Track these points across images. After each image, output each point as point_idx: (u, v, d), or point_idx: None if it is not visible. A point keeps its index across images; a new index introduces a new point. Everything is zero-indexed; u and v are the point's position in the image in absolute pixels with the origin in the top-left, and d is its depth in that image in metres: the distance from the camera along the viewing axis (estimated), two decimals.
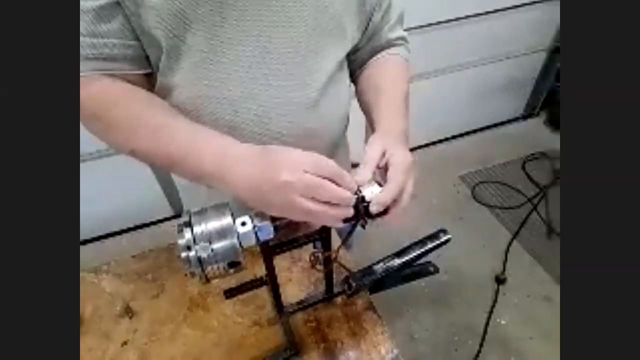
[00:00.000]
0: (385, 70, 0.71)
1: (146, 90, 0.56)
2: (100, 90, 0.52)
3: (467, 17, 1.83)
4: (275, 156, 0.45)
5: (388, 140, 0.55)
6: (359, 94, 0.73)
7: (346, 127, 0.77)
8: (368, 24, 0.67)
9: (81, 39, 0.49)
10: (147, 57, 0.56)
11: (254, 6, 0.52)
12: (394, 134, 0.59)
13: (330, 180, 0.45)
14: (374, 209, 0.48)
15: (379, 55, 0.73)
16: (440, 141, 2.36)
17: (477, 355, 1.44)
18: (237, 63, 0.55)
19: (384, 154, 0.52)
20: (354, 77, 0.75)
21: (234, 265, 0.45)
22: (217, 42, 0.53)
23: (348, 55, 0.69)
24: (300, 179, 0.43)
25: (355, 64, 0.74)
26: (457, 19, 1.82)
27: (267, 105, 0.58)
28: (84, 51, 0.50)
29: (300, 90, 0.59)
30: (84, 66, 0.51)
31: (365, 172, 0.50)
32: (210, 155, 0.48)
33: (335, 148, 0.75)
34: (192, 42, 0.52)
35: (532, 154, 2.20)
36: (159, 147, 0.50)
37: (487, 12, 1.86)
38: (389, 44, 0.73)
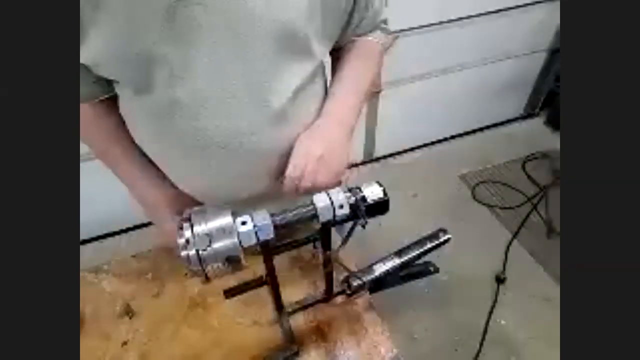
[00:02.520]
0: (350, 60, 0.70)
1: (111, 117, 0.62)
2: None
3: (467, 17, 1.83)
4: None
5: (305, 143, 0.62)
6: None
7: None
8: (348, 23, 0.65)
9: None
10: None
11: (210, 40, 0.51)
12: (322, 130, 0.64)
13: None
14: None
15: (353, 39, 0.71)
16: (440, 141, 2.36)
17: (477, 355, 1.44)
18: (199, 94, 0.54)
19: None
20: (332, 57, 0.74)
21: (234, 264, 0.45)
22: (178, 73, 0.52)
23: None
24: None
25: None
26: (458, 19, 1.82)
27: (231, 132, 0.58)
28: None
29: (263, 109, 0.58)
30: None
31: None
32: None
33: None
34: (154, 76, 0.52)
35: (532, 154, 2.20)
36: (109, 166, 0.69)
37: (488, 12, 1.86)
38: (366, 31, 0.71)
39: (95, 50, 0.49)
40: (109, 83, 0.58)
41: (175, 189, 0.69)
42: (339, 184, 0.61)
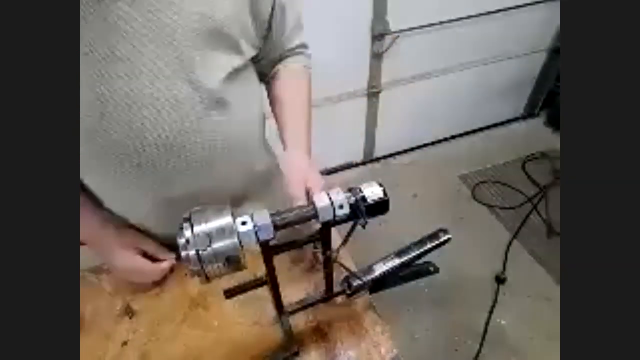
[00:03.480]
0: (285, 84, 0.74)
1: None
2: None
3: (468, 17, 1.83)
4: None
5: (306, 165, 0.63)
6: (270, 102, 0.77)
7: (261, 138, 0.77)
8: (268, 33, 0.67)
9: None
10: None
11: (137, 31, 0.50)
12: (301, 155, 0.66)
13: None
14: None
15: (279, 66, 0.75)
16: (440, 141, 2.37)
17: (477, 355, 1.44)
18: (128, 88, 0.52)
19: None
20: (265, 83, 0.78)
21: (234, 264, 0.45)
22: (104, 68, 0.51)
23: (255, 62, 0.70)
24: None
25: (262, 71, 0.75)
26: (458, 19, 1.82)
27: (170, 126, 0.56)
28: None
29: (198, 95, 0.57)
30: None
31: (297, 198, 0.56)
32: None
33: (254, 154, 0.74)
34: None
35: (532, 154, 2.20)
36: None
37: (488, 12, 1.86)
38: (287, 54, 0.75)
39: None
40: None
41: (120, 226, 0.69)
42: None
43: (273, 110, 0.75)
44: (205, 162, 0.62)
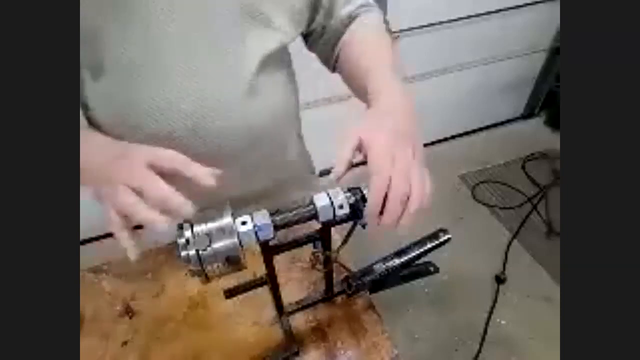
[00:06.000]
0: (361, 44, 0.62)
1: None
2: None
3: (467, 17, 1.83)
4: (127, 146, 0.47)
5: (369, 122, 0.47)
6: (346, 81, 0.66)
7: (294, 129, 0.75)
8: (317, 7, 0.62)
9: None
10: None
11: (175, 11, 0.50)
12: (382, 107, 0.49)
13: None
14: (364, 221, 0.45)
15: (347, 34, 0.64)
16: (440, 141, 2.36)
17: (477, 355, 1.44)
18: (159, 63, 0.53)
19: (360, 146, 0.46)
20: (334, 65, 0.69)
21: (234, 264, 0.45)
22: (133, 49, 0.51)
23: (311, 42, 0.66)
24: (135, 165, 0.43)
25: (324, 48, 0.68)
26: (458, 19, 1.82)
27: (197, 104, 0.55)
28: None
29: (227, 83, 0.56)
30: None
31: (336, 171, 0.45)
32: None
33: (283, 149, 0.72)
34: (107, 56, 0.51)
35: (532, 154, 2.20)
36: None
37: (488, 12, 1.86)
38: (350, 18, 0.64)
39: None
40: None
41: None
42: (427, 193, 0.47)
43: (352, 82, 0.62)
44: (234, 150, 0.61)
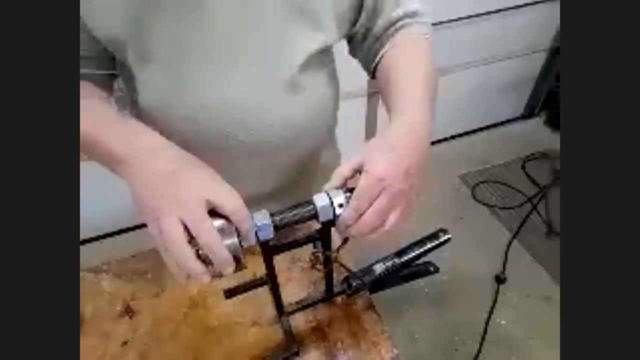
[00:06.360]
0: (395, 58, 0.61)
1: (96, 88, 0.57)
2: None
3: (467, 17, 1.83)
4: (185, 170, 0.43)
5: (376, 144, 0.48)
6: (380, 92, 0.65)
7: (331, 128, 0.75)
8: (361, 10, 0.61)
9: None
10: (109, 58, 0.56)
11: (220, 5, 0.51)
12: (390, 138, 0.50)
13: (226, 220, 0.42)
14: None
15: (391, 43, 0.63)
16: (440, 141, 2.36)
17: (477, 355, 1.44)
18: (203, 60, 0.54)
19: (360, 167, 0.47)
20: (373, 73, 0.68)
21: (234, 264, 0.45)
22: (180, 39, 0.52)
23: (354, 46, 0.67)
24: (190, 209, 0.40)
25: (367, 54, 0.68)
26: (458, 18, 1.82)
27: (238, 97, 0.57)
28: None
29: (269, 79, 0.57)
30: None
31: (330, 185, 0.48)
32: (123, 138, 0.46)
33: (317, 150, 0.73)
34: (154, 44, 0.52)
35: (532, 154, 2.20)
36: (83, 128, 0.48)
37: (488, 12, 1.86)
38: (395, 26, 0.63)
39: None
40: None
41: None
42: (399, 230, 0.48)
43: (380, 88, 0.63)
44: (270, 145, 0.61)
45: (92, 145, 0.48)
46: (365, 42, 0.66)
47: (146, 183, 0.42)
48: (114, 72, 0.60)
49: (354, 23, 0.63)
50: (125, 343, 0.66)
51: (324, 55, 0.63)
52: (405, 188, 0.46)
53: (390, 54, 0.62)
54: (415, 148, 0.49)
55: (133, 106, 0.62)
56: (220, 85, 0.56)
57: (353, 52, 0.71)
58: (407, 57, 0.61)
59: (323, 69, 0.64)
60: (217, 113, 0.57)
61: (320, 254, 0.57)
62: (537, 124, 2.45)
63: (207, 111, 0.57)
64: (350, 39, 0.68)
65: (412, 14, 0.63)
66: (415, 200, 0.49)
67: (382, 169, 0.45)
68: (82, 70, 0.55)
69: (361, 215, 0.46)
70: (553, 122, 2.39)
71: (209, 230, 0.40)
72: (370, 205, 0.45)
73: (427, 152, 0.51)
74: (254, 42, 0.54)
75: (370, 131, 2.14)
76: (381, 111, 2.08)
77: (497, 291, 1.62)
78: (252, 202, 0.72)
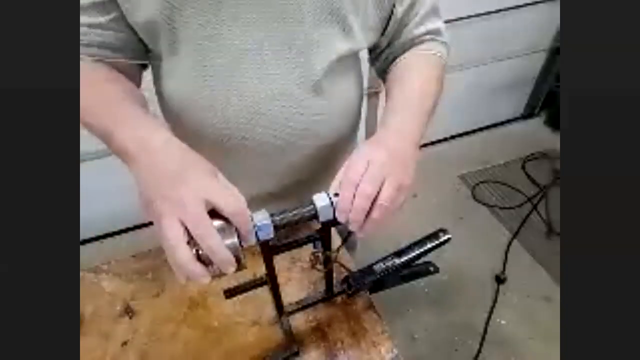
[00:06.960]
0: (401, 72, 0.65)
1: (121, 76, 0.57)
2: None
3: (467, 17, 1.83)
4: (188, 168, 0.43)
5: (363, 150, 0.52)
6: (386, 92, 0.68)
7: (354, 128, 0.75)
8: (388, 22, 0.63)
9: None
10: (139, 48, 0.57)
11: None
12: (381, 139, 0.54)
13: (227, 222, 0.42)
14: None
15: (404, 55, 0.67)
16: (440, 141, 2.36)
17: (477, 355, 1.44)
18: (231, 54, 0.55)
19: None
20: (384, 82, 0.70)
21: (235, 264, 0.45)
22: (211, 32, 0.53)
23: (373, 56, 0.69)
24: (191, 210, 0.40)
25: (383, 64, 0.71)
26: (458, 18, 1.82)
27: (259, 96, 0.58)
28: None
29: (296, 80, 0.58)
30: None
31: (333, 185, 0.51)
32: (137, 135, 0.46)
33: (341, 152, 0.73)
34: (185, 33, 0.53)
35: (532, 154, 2.20)
36: (101, 117, 0.49)
37: (488, 12, 1.86)
38: (414, 41, 0.66)
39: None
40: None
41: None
42: (398, 207, 0.50)
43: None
44: (286, 144, 0.62)
45: (105, 137, 0.48)
46: (383, 53, 0.69)
47: (149, 181, 0.43)
48: (145, 61, 0.60)
49: (382, 32, 0.65)
50: (125, 343, 0.66)
51: (350, 61, 0.65)
52: (388, 161, 0.49)
53: (399, 65, 0.66)
54: (400, 156, 0.52)
55: (159, 98, 0.63)
56: (246, 80, 0.56)
57: (372, 61, 0.73)
58: (412, 73, 0.63)
59: (349, 72, 0.66)
60: (239, 107, 0.58)
61: (320, 254, 0.57)
62: (537, 124, 2.45)
63: (230, 105, 0.57)
64: (372, 49, 0.70)
65: (434, 32, 0.67)
66: (406, 177, 0.51)
67: (364, 151, 0.50)
68: (112, 59, 0.56)
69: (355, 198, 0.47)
70: (553, 122, 2.39)
71: (209, 231, 0.40)
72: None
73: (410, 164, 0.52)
74: (285, 39, 0.55)
75: (370, 131, 2.14)
76: (381, 110, 2.08)
77: (497, 291, 1.62)
78: (269, 200, 0.72)
